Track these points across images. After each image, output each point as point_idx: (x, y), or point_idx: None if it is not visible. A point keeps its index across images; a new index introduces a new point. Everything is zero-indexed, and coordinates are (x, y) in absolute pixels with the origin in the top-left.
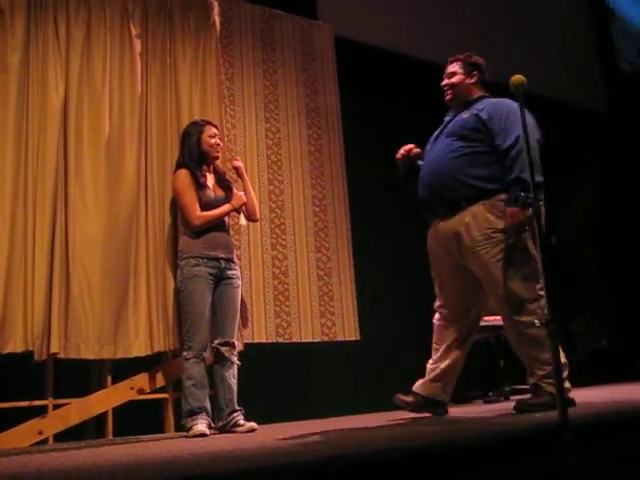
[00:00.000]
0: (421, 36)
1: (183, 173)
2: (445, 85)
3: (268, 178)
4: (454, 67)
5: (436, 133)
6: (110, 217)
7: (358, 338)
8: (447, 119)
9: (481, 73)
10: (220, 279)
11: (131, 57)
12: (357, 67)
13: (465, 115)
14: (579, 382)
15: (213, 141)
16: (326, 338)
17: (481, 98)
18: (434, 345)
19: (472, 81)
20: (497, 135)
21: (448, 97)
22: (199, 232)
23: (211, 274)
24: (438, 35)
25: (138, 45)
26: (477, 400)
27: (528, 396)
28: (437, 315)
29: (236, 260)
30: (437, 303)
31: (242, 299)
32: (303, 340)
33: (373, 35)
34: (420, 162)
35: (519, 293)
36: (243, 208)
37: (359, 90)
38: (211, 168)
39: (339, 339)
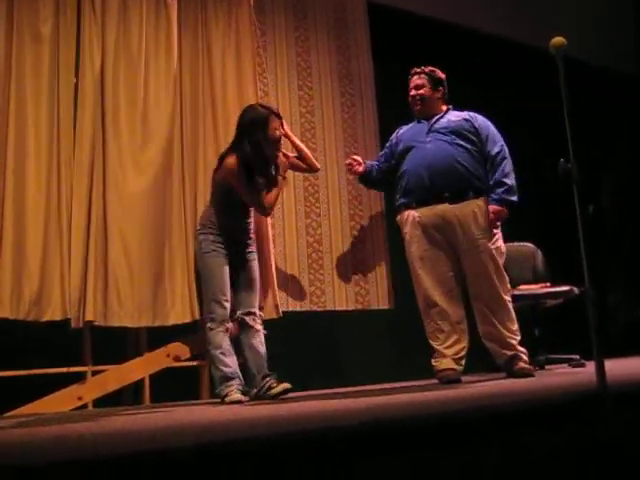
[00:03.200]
0: (456, 1)
1: (238, 171)
2: (415, 96)
3: None
4: (421, 80)
5: (415, 134)
6: (146, 184)
7: (392, 306)
8: (424, 122)
9: (444, 88)
10: (238, 251)
11: (167, 25)
12: (390, 33)
13: (454, 118)
14: (617, 352)
15: (278, 134)
16: (360, 306)
17: (448, 110)
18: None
19: (438, 96)
20: (486, 142)
21: (418, 107)
22: (222, 213)
23: (229, 247)
24: (474, 0)
25: (173, 12)
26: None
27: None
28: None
29: (252, 236)
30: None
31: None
32: (337, 308)
33: (406, 0)
34: (373, 163)
35: (504, 276)
36: (300, 164)
37: (392, 57)
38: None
39: (372, 307)
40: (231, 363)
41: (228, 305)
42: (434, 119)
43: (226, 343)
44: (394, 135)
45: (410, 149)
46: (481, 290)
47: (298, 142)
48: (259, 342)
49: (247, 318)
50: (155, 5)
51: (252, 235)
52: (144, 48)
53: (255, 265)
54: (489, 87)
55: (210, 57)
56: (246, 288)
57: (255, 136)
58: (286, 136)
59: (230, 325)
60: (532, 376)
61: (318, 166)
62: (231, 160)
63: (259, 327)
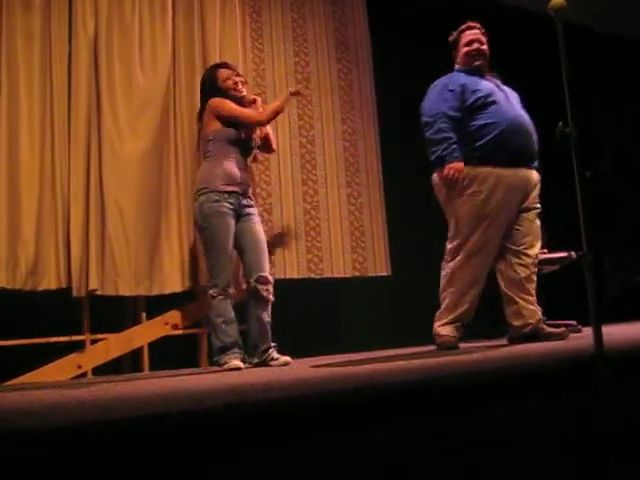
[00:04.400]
0: None
1: (220, 98)
2: (480, 50)
3: (298, 113)
4: (484, 36)
5: (491, 89)
6: (143, 151)
7: (389, 273)
8: (487, 79)
9: None
10: (239, 215)
11: None
12: (387, 1)
13: (508, 89)
14: (613, 318)
15: (230, 82)
16: (357, 273)
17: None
18: None
19: None
20: None
21: (480, 62)
22: (219, 162)
23: (232, 209)
24: None
25: None
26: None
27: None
28: None
29: (253, 198)
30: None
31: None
32: (335, 275)
33: None
34: (453, 138)
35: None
36: (258, 141)
37: (389, 24)
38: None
39: (370, 274)
40: (232, 332)
41: (231, 270)
42: (494, 78)
43: (227, 310)
44: (453, 85)
45: (492, 103)
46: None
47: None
48: (266, 314)
49: (260, 287)
50: None
51: (250, 192)
52: (138, 14)
53: (260, 227)
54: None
55: (204, 22)
56: (254, 250)
57: (210, 90)
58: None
59: (233, 290)
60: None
61: (274, 148)
62: (210, 102)
63: (271, 297)
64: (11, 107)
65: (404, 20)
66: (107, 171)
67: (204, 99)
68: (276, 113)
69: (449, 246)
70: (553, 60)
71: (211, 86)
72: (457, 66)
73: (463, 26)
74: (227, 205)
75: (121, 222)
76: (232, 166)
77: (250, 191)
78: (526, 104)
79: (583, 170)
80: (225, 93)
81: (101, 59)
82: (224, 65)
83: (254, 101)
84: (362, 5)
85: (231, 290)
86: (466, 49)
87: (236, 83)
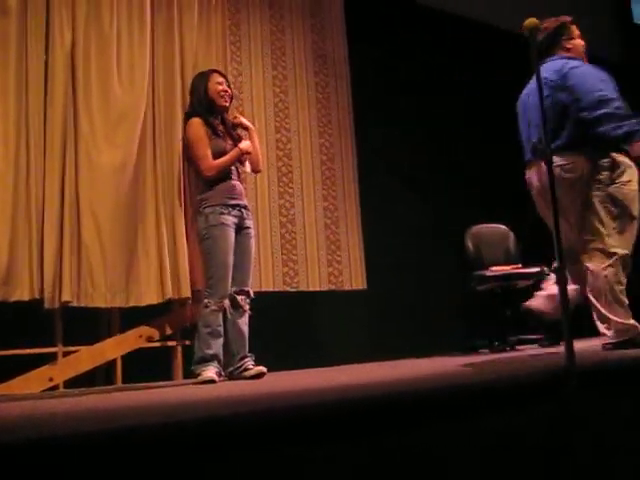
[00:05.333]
0: None
1: (196, 122)
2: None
3: (275, 126)
4: None
5: None
6: (119, 163)
7: (365, 287)
8: None
9: None
10: (240, 228)
11: (140, 1)
12: (366, 14)
13: None
14: (586, 333)
15: (220, 88)
16: (333, 287)
17: None
18: None
19: None
20: None
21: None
22: (217, 180)
23: (235, 223)
24: None
25: None
26: (483, 349)
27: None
28: None
29: (248, 206)
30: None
31: None
32: (310, 289)
33: None
34: None
35: None
36: (248, 157)
37: (368, 38)
38: (219, 119)
39: (346, 288)
40: (214, 345)
41: (229, 283)
42: None
43: (215, 323)
44: (604, 74)
45: None
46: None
47: (254, 135)
48: (243, 322)
49: (239, 297)
50: None
51: (247, 205)
52: (116, 25)
53: (253, 242)
54: (464, 69)
55: (183, 34)
56: (242, 265)
57: (197, 91)
58: (242, 125)
59: (227, 303)
60: None
61: (259, 169)
62: (188, 121)
63: (247, 307)
64: None
65: (383, 34)
66: (83, 182)
67: (191, 103)
68: (224, 169)
69: (608, 232)
70: (519, 78)
71: (200, 87)
72: (570, 54)
73: (564, 18)
74: (231, 219)
75: (97, 233)
76: (230, 181)
77: (248, 209)
78: (503, 122)
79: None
80: (207, 95)
81: (78, 69)
82: (218, 71)
83: (239, 124)
84: (341, 19)
85: (225, 302)
86: (582, 42)
87: (225, 91)
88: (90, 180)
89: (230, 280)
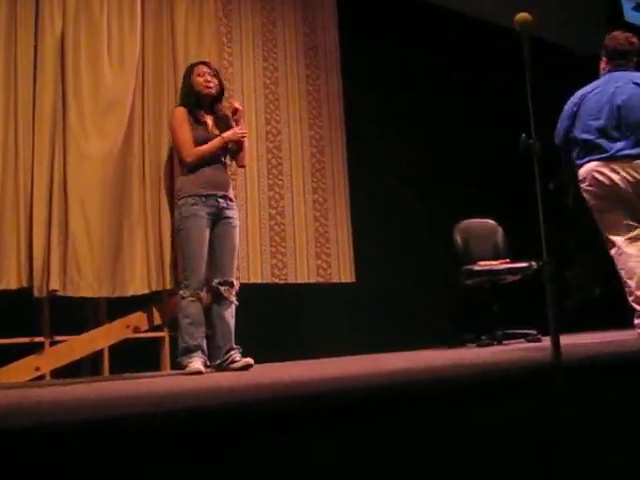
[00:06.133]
0: None
1: (179, 110)
2: None
3: (265, 118)
4: None
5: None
6: (108, 152)
7: (354, 280)
8: None
9: None
10: (218, 218)
11: None
12: (358, 6)
13: None
14: (572, 328)
15: (202, 79)
16: (321, 279)
17: None
18: None
19: None
20: None
21: None
22: (195, 170)
23: (209, 213)
24: None
25: None
26: (470, 344)
27: None
28: None
29: (233, 199)
30: None
31: None
32: (298, 281)
33: None
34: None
35: None
36: (232, 149)
37: (360, 31)
38: (211, 110)
39: (334, 281)
40: (197, 335)
41: (203, 273)
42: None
43: (195, 312)
44: None
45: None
46: None
47: (244, 128)
48: (229, 314)
49: (222, 288)
50: None
51: (231, 195)
52: (106, 12)
53: (236, 232)
54: (458, 63)
55: (174, 23)
56: (224, 255)
57: (184, 83)
58: (236, 113)
59: (203, 293)
60: None
61: (244, 163)
62: (172, 112)
63: (233, 299)
64: None
65: (375, 27)
66: (71, 170)
67: (179, 96)
68: (204, 156)
69: None
70: (508, 72)
71: (185, 80)
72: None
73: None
74: (205, 209)
75: (84, 222)
76: (209, 170)
77: (230, 193)
78: (492, 116)
79: (545, 181)
80: (192, 88)
81: (68, 57)
82: (204, 62)
83: (235, 111)
84: (332, 11)
85: (202, 294)
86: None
87: (208, 81)
88: (78, 169)
89: (203, 271)
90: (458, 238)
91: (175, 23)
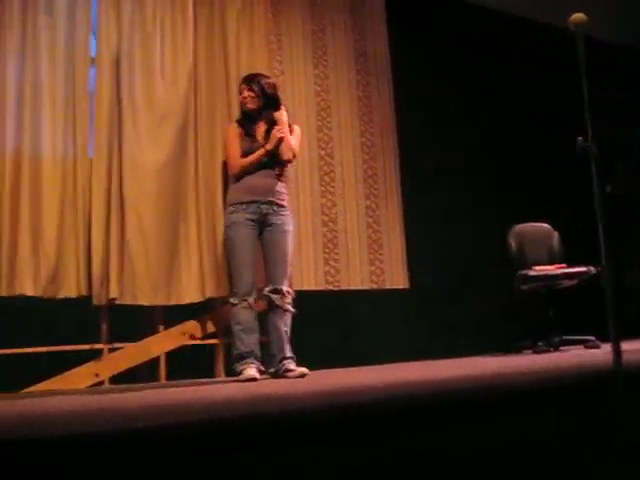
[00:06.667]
0: None
1: (231, 127)
2: None
3: (317, 125)
4: None
5: None
6: (162, 161)
7: (407, 286)
8: None
9: None
10: (264, 225)
11: (182, 2)
12: (407, 11)
13: None
14: (633, 334)
15: (240, 97)
16: (375, 286)
17: None
18: None
19: None
20: None
21: None
22: (240, 179)
23: (251, 219)
24: None
25: None
26: (526, 350)
27: None
28: None
29: (286, 204)
30: None
31: None
32: (352, 287)
33: None
34: None
35: None
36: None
37: (409, 36)
38: (267, 121)
39: (388, 287)
40: (248, 341)
41: (249, 279)
42: None
43: (246, 319)
44: None
45: None
46: None
47: (285, 127)
48: (283, 322)
49: (273, 296)
50: None
51: (283, 202)
52: (159, 24)
53: (284, 238)
54: (510, 64)
55: (225, 34)
56: (273, 263)
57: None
58: (279, 119)
59: (251, 300)
60: None
61: (285, 157)
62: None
63: (286, 307)
64: (34, 115)
65: (425, 31)
66: (127, 181)
67: None
68: (250, 166)
69: None
70: (564, 73)
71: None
72: None
73: None
74: (245, 215)
75: (140, 232)
76: (253, 177)
77: (279, 200)
78: (548, 119)
79: (603, 184)
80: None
81: (123, 70)
82: (244, 79)
83: (292, 130)
84: (382, 17)
85: (250, 300)
86: None
87: (244, 97)
88: (134, 180)
89: (250, 278)
90: (512, 242)
91: (226, 35)
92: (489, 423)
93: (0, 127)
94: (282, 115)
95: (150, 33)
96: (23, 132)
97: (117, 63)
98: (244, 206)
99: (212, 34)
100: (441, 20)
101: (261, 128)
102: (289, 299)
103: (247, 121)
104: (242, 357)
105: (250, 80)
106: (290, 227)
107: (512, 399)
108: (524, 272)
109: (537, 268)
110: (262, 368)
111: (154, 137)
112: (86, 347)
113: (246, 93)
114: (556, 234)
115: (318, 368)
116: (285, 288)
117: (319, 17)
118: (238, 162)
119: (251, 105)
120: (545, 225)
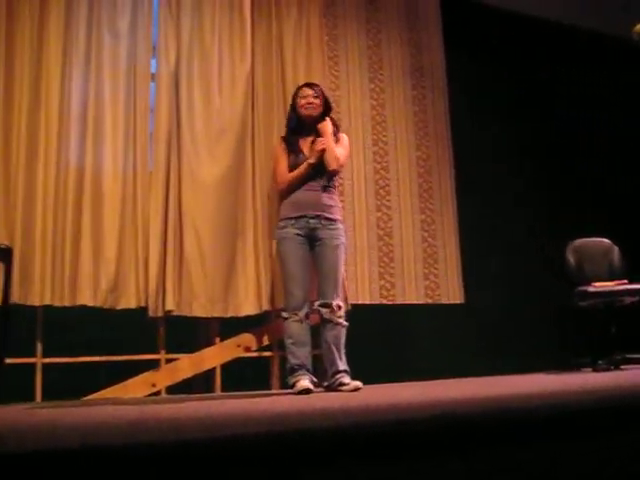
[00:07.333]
0: None
1: (277, 143)
2: None
3: (372, 139)
4: None
5: None
6: (220, 175)
7: (462, 301)
8: None
9: None
10: (313, 239)
11: (240, 19)
12: (463, 25)
13: None
14: None
15: (304, 101)
16: (430, 300)
17: None
18: None
19: None
20: None
21: None
22: (289, 194)
23: (300, 235)
24: None
25: (246, 6)
26: (586, 368)
27: None
28: None
29: (335, 218)
30: None
31: None
32: (407, 302)
33: None
34: None
35: None
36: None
37: (465, 49)
38: (313, 132)
39: (443, 302)
40: (299, 354)
41: (300, 293)
42: None
43: (297, 333)
44: None
45: None
46: None
47: (329, 139)
48: (334, 336)
49: (323, 310)
50: None
51: (332, 215)
52: (217, 41)
53: (334, 253)
54: (567, 77)
55: (282, 50)
56: (322, 277)
57: (290, 107)
58: (323, 131)
59: (301, 314)
60: None
61: (331, 167)
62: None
63: (337, 320)
64: (97, 130)
65: (481, 44)
66: (185, 194)
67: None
68: (293, 182)
69: None
70: (622, 85)
71: (292, 101)
72: None
73: None
74: (294, 231)
75: (198, 244)
76: (300, 192)
77: (328, 214)
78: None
79: None
80: (294, 109)
81: (182, 85)
82: (309, 84)
83: (338, 139)
84: (438, 31)
85: (301, 314)
86: None
87: (310, 103)
88: (192, 193)
89: (301, 292)
90: (571, 258)
91: (283, 50)
92: (549, 443)
93: (64, 142)
94: (326, 126)
95: (208, 50)
96: (86, 147)
97: (176, 79)
98: (292, 221)
99: (269, 50)
100: (497, 33)
101: (307, 140)
102: (340, 313)
103: (293, 135)
104: (294, 370)
105: (314, 85)
106: (341, 240)
107: (571, 420)
108: (583, 288)
109: (597, 284)
110: (315, 380)
111: (212, 151)
112: (144, 357)
113: (312, 99)
114: (616, 249)
115: (370, 382)
116: (335, 302)
117: (375, 32)
118: (284, 178)
119: (315, 111)
120: (605, 240)
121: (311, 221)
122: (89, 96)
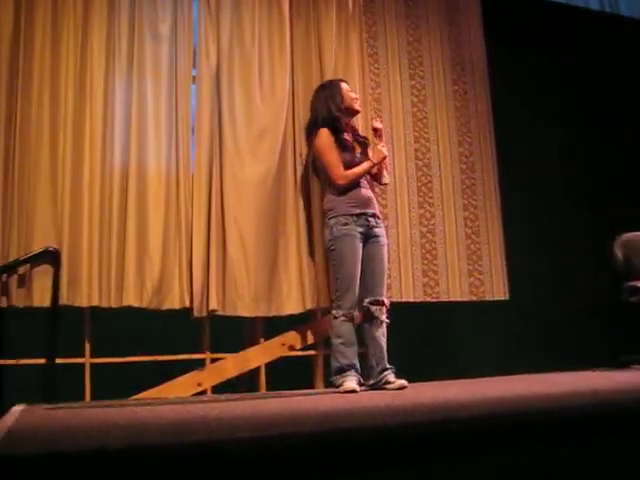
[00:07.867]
0: None
1: (325, 132)
2: None
3: (414, 136)
4: None
5: None
6: (262, 175)
7: (507, 297)
8: None
9: None
10: (369, 237)
11: (279, 18)
12: (504, 18)
13: None
14: None
15: (353, 95)
16: (474, 297)
17: None
18: None
19: None
20: None
21: None
22: (346, 191)
23: (361, 232)
24: None
25: (285, 6)
26: (635, 365)
27: None
28: None
29: (380, 217)
30: None
31: None
32: (451, 299)
33: None
34: None
35: None
36: (375, 169)
37: (507, 43)
38: (348, 128)
39: (487, 298)
40: (349, 354)
41: (356, 293)
42: None
43: (347, 332)
44: None
45: None
46: None
47: (384, 147)
48: (381, 334)
49: (373, 308)
50: None
51: (379, 213)
52: (257, 41)
53: (385, 251)
54: (612, 70)
55: (321, 48)
56: (374, 275)
57: (333, 101)
58: (377, 133)
59: (356, 313)
60: None
61: (383, 182)
62: (317, 132)
63: (384, 317)
64: (140, 132)
65: (522, 38)
66: (228, 196)
67: (317, 114)
68: (357, 179)
69: None
70: None
71: (335, 97)
72: None
73: None
74: (356, 228)
75: (241, 244)
76: (358, 189)
77: (377, 211)
78: None
79: None
80: (342, 104)
81: (223, 87)
82: (344, 80)
83: (375, 130)
84: (478, 25)
85: (355, 313)
86: None
87: (357, 98)
88: (234, 194)
89: (357, 291)
90: (619, 253)
91: (322, 48)
92: (602, 442)
93: (109, 144)
94: (381, 132)
95: (249, 51)
96: (130, 149)
97: (217, 80)
98: (355, 218)
99: (309, 48)
100: (539, 26)
101: (349, 136)
102: (384, 310)
103: (338, 128)
104: (343, 370)
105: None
106: (386, 239)
107: (622, 418)
108: (632, 283)
109: None
110: (362, 380)
111: (254, 152)
112: (189, 357)
113: (354, 95)
114: None
115: (413, 380)
116: (384, 299)
117: (414, 28)
118: (344, 173)
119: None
120: None
121: (370, 219)
122: (132, 99)
